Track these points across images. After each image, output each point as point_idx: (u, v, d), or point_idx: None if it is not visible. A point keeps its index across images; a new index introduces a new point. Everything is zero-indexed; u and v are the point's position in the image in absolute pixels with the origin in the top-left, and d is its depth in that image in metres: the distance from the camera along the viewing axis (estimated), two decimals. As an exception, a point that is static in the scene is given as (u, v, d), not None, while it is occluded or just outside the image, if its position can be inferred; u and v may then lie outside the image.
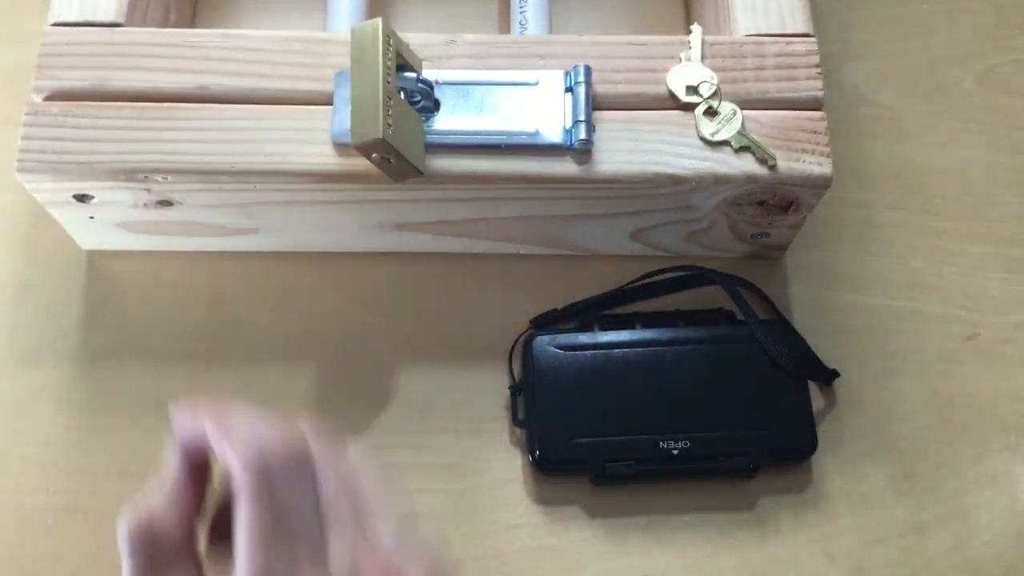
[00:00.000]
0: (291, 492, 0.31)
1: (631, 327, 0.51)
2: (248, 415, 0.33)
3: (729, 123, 0.47)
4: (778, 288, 0.54)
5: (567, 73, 0.47)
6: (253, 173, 0.46)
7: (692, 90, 0.47)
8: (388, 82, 0.43)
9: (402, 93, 0.45)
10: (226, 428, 0.32)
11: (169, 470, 0.33)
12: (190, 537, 0.33)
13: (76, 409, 0.51)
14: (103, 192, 0.48)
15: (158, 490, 0.33)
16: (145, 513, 0.32)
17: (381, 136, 0.42)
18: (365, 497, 0.33)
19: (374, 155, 0.43)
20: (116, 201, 0.48)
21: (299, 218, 0.50)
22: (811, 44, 0.49)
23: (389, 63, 0.43)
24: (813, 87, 0.48)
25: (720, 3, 0.52)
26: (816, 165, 0.47)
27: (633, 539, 0.49)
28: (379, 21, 0.44)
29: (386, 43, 0.44)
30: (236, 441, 0.32)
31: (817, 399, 0.51)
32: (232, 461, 0.31)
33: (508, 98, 0.47)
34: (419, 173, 0.45)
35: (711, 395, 0.49)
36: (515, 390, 0.50)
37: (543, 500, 0.50)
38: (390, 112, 0.42)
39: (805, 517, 0.49)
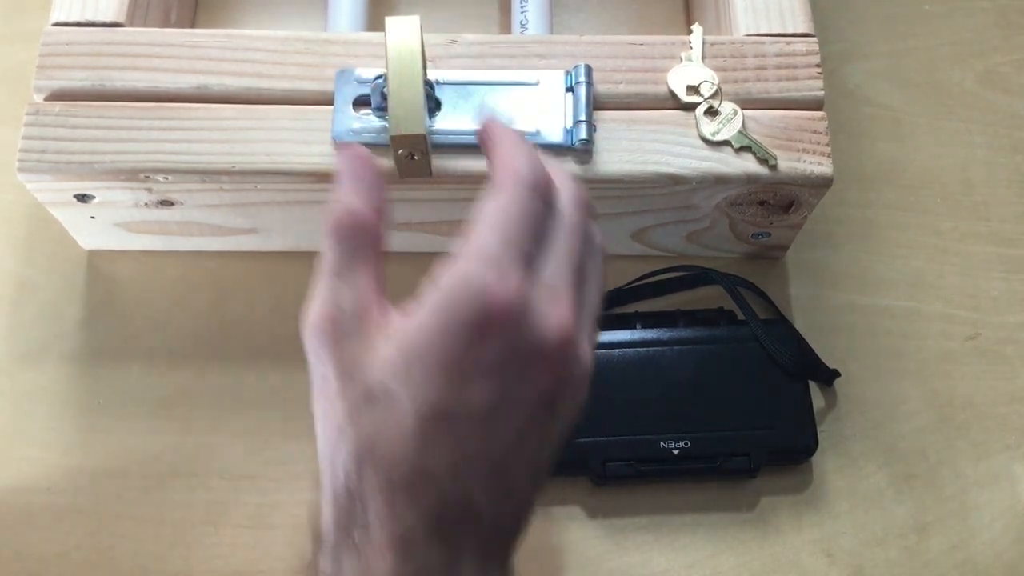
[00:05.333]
0: (538, 216, 0.34)
1: (631, 327, 0.51)
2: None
3: (730, 123, 0.47)
4: (778, 288, 0.54)
5: (568, 73, 0.47)
6: (253, 173, 0.46)
7: (693, 90, 0.47)
8: (426, 80, 0.43)
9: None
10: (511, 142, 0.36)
11: (360, 170, 0.36)
12: (381, 229, 0.36)
13: (76, 409, 0.51)
14: (103, 192, 0.48)
15: (350, 188, 0.36)
16: (348, 206, 0.35)
17: (423, 132, 0.42)
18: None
19: (401, 150, 0.43)
20: (116, 201, 0.48)
21: (299, 218, 0.50)
22: (812, 44, 0.49)
23: (424, 60, 0.44)
24: (814, 87, 0.48)
25: (720, 3, 0.52)
26: (817, 165, 0.47)
27: (633, 539, 0.49)
28: (416, 18, 0.43)
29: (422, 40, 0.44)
30: (515, 154, 0.35)
31: (817, 399, 0.51)
32: (505, 162, 0.35)
33: (509, 98, 0.47)
34: (428, 173, 0.45)
35: (711, 395, 0.49)
36: (515, 390, 0.50)
37: (543, 500, 0.49)
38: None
39: (805, 517, 0.49)
